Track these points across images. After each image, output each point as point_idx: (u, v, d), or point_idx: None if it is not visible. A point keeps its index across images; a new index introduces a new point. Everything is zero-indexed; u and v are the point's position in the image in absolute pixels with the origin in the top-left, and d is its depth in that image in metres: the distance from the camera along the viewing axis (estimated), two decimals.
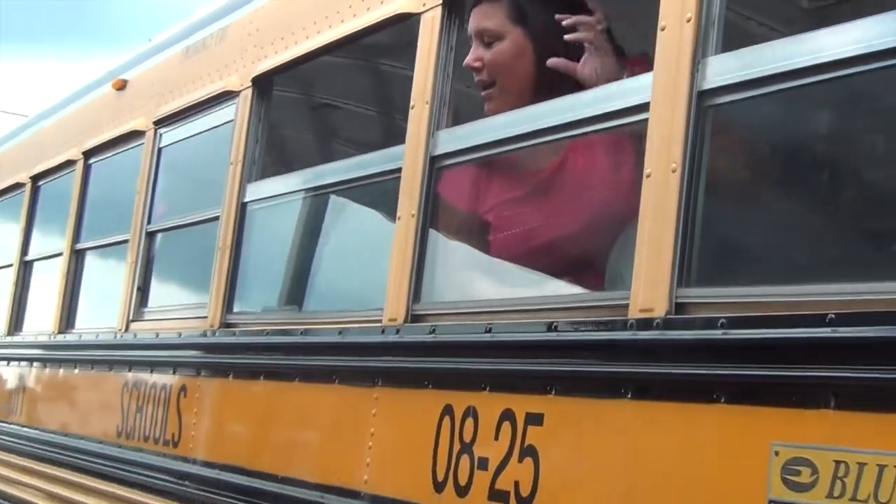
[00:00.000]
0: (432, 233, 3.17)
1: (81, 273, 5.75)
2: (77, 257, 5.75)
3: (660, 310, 2.35)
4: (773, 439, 2.03)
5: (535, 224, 3.05)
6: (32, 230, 6.55)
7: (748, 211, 2.55)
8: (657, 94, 2.46)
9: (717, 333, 2.21)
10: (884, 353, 1.85)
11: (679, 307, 2.33)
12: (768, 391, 2.10)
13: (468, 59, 3.10)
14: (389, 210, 3.30)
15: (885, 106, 2.18)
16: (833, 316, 1.96)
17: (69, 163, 5.98)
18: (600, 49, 2.84)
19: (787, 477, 1.99)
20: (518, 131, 2.90)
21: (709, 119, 2.37)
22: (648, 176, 2.44)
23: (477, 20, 3.11)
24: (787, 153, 2.47)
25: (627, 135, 2.71)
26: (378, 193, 3.52)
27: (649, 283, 2.39)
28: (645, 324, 2.37)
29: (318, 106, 4.73)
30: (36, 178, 6.54)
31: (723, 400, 2.17)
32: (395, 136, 3.41)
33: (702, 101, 2.37)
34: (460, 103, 3.24)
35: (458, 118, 3.20)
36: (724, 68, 2.35)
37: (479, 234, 3.19)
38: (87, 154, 5.76)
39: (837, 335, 1.96)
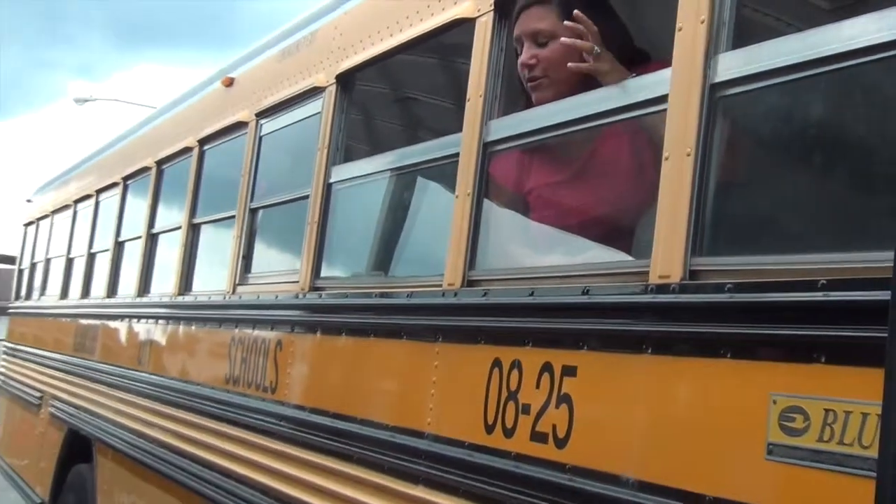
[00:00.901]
0: (485, 209, 3.16)
1: (197, 244, 5.83)
2: (193, 230, 5.83)
3: (676, 276, 2.33)
4: (771, 390, 2.01)
5: (569, 204, 3.03)
6: (157, 207, 6.66)
7: (753, 190, 2.52)
8: (674, 86, 2.43)
9: (724, 297, 2.19)
10: (868, 315, 1.82)
11: (692, 274, 2.31)
12: (768, 348, 2.07)
13: (524, 59, 3.07)
14: (449, 189, 3.30)
15: (874, 95, 2.14)
16: (824, 282, 1.95)
17: (187, 149, 6.07)
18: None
19: (784, 423, 1.98)
20: (559, 120, 2.89)
21: (719, 109, 2.34)
22: (667, 159, 2.42)
23: (529, 23, 3.07)
24: (788, 138, 2.43)
25: (649, 123, 2.67)
26: (440, 175, 3.53)
27: (667, 252, 2.36)
28: (663, 288, 2.35)
29: (392, 99, 4.74)
30: (160, 163, 6.64)
31: (728, 355, 2.15)
32: (454, 125, 3.39)
33: (713, 93, 2.34)
34: (508, 96, 3.21)
35: (506, 109, 3.19)
36: (734, 63, 2.31)
37: (523, 211, 3.18)
38: (202, 142, 5.84)
39: (828, 299, 1.93)
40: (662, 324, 2.38)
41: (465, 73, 3.35)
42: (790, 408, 1.97)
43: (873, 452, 1.69)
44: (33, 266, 10.67)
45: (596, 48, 2.79)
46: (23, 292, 11.04)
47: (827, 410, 1.89)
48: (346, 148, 4.21)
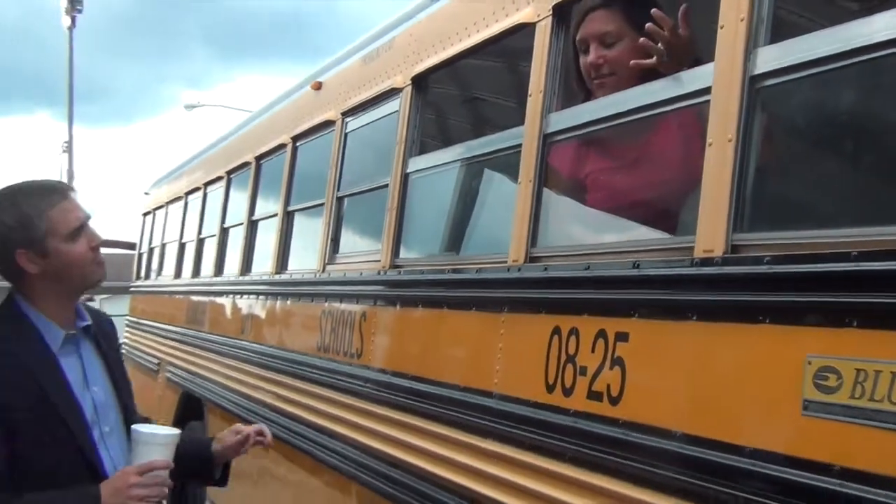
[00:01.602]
0: (545, 194, 3.14)
1: (291, 229, 5.88)
2: (288, 217, 5.88)
3: (718, 250, 2.30)
4: (807, 352, 1.97)
5: (622, 187, 3.00)
6: (257, 197, 6.73)
7: (789, 171, 2.47)
8: (717, 78, 2.38)
9: (763, 269, 2.15)
10: (891, 284, 1.78)
11: (734, 248, 2.28)
12: (804, 314, 2.03)
13: (592, 59, 3.02)
14: (512, 176, 3.28)
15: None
16: (856, 253, 1.90)
17: (282, 146, 6.11)
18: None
19: (818, 382, 1.94)
20: (613, 111, 2.85)
21: (758, 98, 2.30)
22: (710, 145, 2.38)
23: (596, 26, 3.02)
24: (820, 124, 2.38)
25: (696, 112, 2.62)
26: (504, 164, 3.51)
27: (710, 229, 2.33)
28: (707, 261, 2.32)
29: (460, 97, 4.73)
30: (259, 158, 6.70)
31: (767, 321, 2.11)
32: (515, 119, 3.38)
33: (753, 84, 2.29)
34: (565, 92, 3.18)
35: (563, 104, 3.16)
36: (771, 56, 2.27)
37: (579, 194, 3.15)
38: (295, 139, 5.88)
39: (859, 268, 1.89)
40: (706, 293, 2.34)
41: (525, 73, 3.33)
42: (824, 367, 1.93)
43: None
44: (150, 250, 10.88)
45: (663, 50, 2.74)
46: (142, 273, 11.27)
47: (858, 370, 1.85)
48: (421, 142, 4.21)
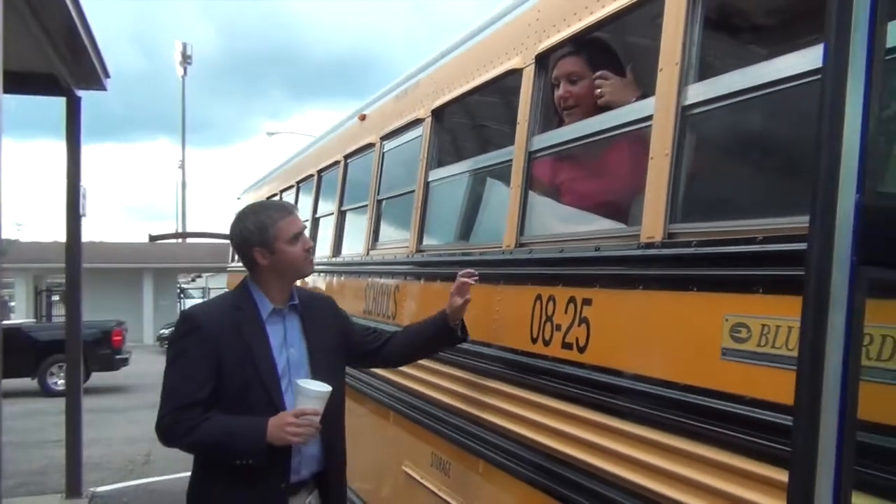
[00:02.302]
0: (529, 196, 3.11)
1: (344, 224, 5.87)
2: (342, 215, 5.87)
3: (658, 237, 2.26)
4: (724, 312, 1.95)
5: (587, 192, 2.96)
6: (319, 200, 6.71)
7: (711, 177, 2.43)
8: (658, 108, 2.35)
9: (691, 250, 2.12)
10: (787, 261, 1.75)
11: (670, 235, 2.25)
12: (722, 283, 2.00)
13: (561, 93, 3.00)
14: (507, 183, 3.25)
15: (794, 109, 2.03)
16: (761, 238, 1.87)
17: (336, 162, 6.09)
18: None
19: (733, 335, 1.91)
20: (580, 133, 2.81)
21: (688, 122, 2.26)
22: (652, 158, 2.34)
23: (565, 67, 2.99)
24: (735, 141, 2.33)
25: (640, 134, 2.59)
26: (501, 174, 3.46)
27: (652, 221, 2.30)
28: (649, 245, 2.29)
29: (467, 124, 4.68)
30: (320, 171, 6.69)
31: (695, 289, 2.08)
32: (509, 140, 3.34)
33: (685, 112, 2.26)
34: (544, 120, 3.14)
35: (542, 128, 3.12)
36: (698, 91, 2.23)
37: (555, 197, 3.12)
38: (346, 156, 5.86)
39: (764, 249, 1.86)
40: (649, 269, 2.31)
41: (514, 105, 3.30)
42: (738, 324, 1.90)
43: (795, 353, 1.63)
44: None
45: (606, 89, 2.73)
46: (236, 258, 11.28)
47: (763, 325, 1.82)
48: (439, 158, 4.18)
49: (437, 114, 4.15)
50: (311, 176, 6.94)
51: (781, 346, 1.76)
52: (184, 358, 2.67)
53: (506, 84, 3.49)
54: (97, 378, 15.95)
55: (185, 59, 45.26)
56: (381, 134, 4.99)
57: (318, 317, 2.93)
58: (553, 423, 2.63)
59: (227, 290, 11.86)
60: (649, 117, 2.39)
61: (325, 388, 2.65)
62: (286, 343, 2.77)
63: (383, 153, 5.00)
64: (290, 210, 2.93)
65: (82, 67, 6.84)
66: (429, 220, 4.15)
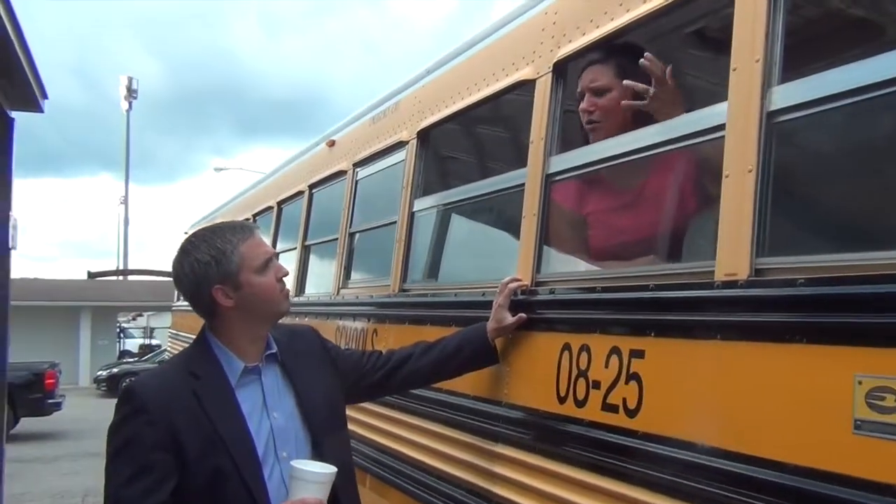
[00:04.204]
0: (548, 227, 2.63)
1: (308, 260, 5.30)
2: (306, 251, 5.31)
3: (742, 273, 1.79)
4: (855, 371, 1.47)
5: (625, 226, 2.50)
6: (279, 234, 6.13)
7: (811, 198, 1.97)
8: (732, 116, 1.89)
9: (795, 291, 1.65)
10: None
11: (758, 272, 1.77)
12: (849, 334, 1.53)
13: (584, 106, 2.56)
14: (517, 211, 2.76)
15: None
16: None
17: (299, 192, 5.54)
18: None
19: (871, 401, 1.44)
20: (616, 152, 2.35)
21: (775, 131, 1.81)
22: (727, 177, 1.88)
23: (590, 78, 2.57)
24: (848, 152, 1.88)
25: (701, 150, 2.14)
26: (504, 201, 2.97)
27: (732, 253, 1.82)
28: (730, 284, 1.81)
29: (459, 146, 4.20)
30: (280, 203, 6.12)
31: (804, 341, 1.61)
32: (517, 162, 2.87)
33: (770, 119, 1.81)
34: (563, 138, 2.68)
35: (561, 148, 2.66)
36: (787, 94, 1.78)
37: (580, 229, 2.64)
38: (312, 186, 5.31)
39: None
40: (730, 315, 1.83)
41: (522, 123, 2.84)
42: (877, 388, 1.43)
43: None
44: None
45: (651, 89, 2.27)
46: (181, 296, 10.58)
47: None
48: (424, 185, 3.68)
49: (424, 136, 3.66)
50: (269, 208, 6.36)
51: None
52: (128, 451, 1.98)
53: (511, 99, 3.03)
54: (26, 424, 14.75)
55: (130, 93, 44.13)
56: (355, 160, 4.48)
57: (304, 358, 2.29)
58: None
59: (171, 330, 11.16)
60: (718, 127, 1.93)
61: (328, 470, 2.02)
62: (266, 408, 2.12)
63: (357, 181, 4.48)
64: (251, 229, 2.22)
65: (16, 85, 6.15)
66: (414, 254, 3.63)
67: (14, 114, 6.75)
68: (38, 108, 6.81)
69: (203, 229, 2.22)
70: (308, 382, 2.24)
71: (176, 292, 10.97)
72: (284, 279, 2.22)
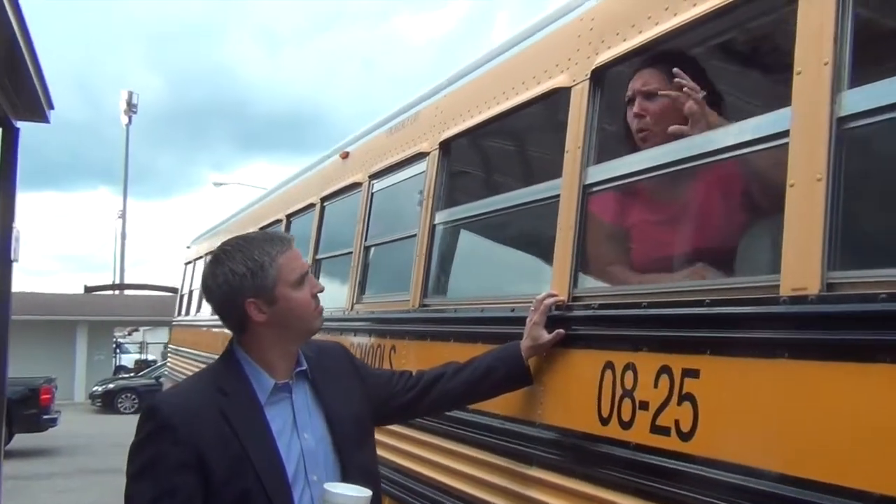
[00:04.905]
0: (586, 239, 2.52)
1: (319, 274, 5.17)
2: (317, 265, 5.18)
3: (813, 288, 1.67)
4: None
5: (669, 239, 2.39)
6: None
7: (886, 210, 1.86)
8: (797, 122, 1.79)
9: (877, 306, 1.53)
10: None
11: (830, 286, 1.66)
12: None
13: (636, 110, 2.46)
14: (550, 223, 2.65)
15: None
16: None
17: (310, 205, 5.44)
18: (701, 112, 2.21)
19: None
20: (666, 160, 2.24)
21: (846, 138, 1.71)
22: (792, 185, 1.77)
23: (640, 83, 2.48)
24: None
25: (755, 158, 2.03)
26: (540, 212, 2.85)
27: (800, 267, 1.71)
28: (798, 300, 1.70)
29: (481, 157, 4.10)
30: (289, 216, 6.01)
31: (888, 360, 1.49)
32: (548, 173, 2.77)
33: (840, 126, 1.71)
34: (601, 147, 2.57)
35: (599, 158, 2.55)
36: (859, 99, 1.68)
37: (621, 242, 2.53)
38: (323, 199, 5.21)
39: None
40: (800, 332, 1.71)
41: (554, 132, 2.74)
42: None
43: None
44: (190, 292, 10.06)
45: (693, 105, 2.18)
46: (182, 311, 10.43)
47: None
48: (446, 197, 3.57)
49: (446, 146, 3.55)
50: (277, 221, 6.25)
51: None
52: (151, 472, 1.86)
53: (542, 107, 2.94)
54: (21, 440, 14.52)
55: (131, 107, 44.21)
56: (370, 172, 4.37)
57: (334, 376, 2.17)
58: None
59: (169, 346, 11.02)
60: (781, 134, 1.83)
61: (364, 493, 1.90)
62: (297, 428, 2.00)
63: (372, 193, 4.37)
64: (289, 241, 2.09)
65: (23, 95, 6.05)
66: (435, 268, 3.51)
67: (19, 124, 6.66)
68: (44, 119, 6.71)
69: (238, 238, 2.09)
70: (338, 402, 2.12)
71: (178, 305, 10.85)
72: (319, 295, 2.10)
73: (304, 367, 2.09)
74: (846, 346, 1.59)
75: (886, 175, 1.83)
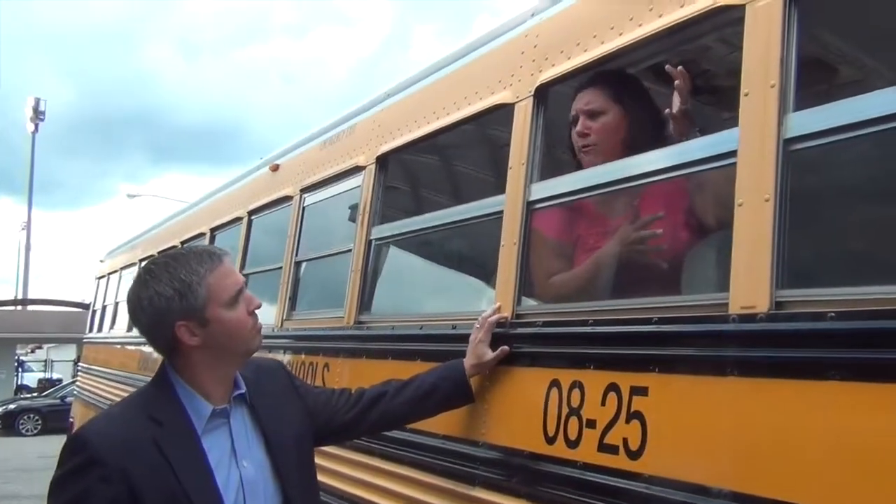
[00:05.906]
0: (530, 256, 2.50)
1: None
2: (246, 280, 4.99)
3: (762, 306, 1.70)
4: None
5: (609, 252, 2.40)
6: None
7: (832, 229, 1.91)
8: (744, 142, 1.82)
9: (826, 324, 1.56)
10: None
11: (778, 304, 1.68)
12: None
13: (579, 129, 2.47)
14: (492, 240, 2.63)
15: None
16: None
17: (237, 219, 5.26)
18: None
19: None
20: (611, 178, 2.25)
21: (792, 159, 1.74)
22: (741, 205, 1.80)
23: (584, 101, 2.49)
24: (868, 181, 1.83)
25: (705, 177, 2.06)
26: (482, 229, 2.82)
27: (749, 286, 1.73)
28: (747, 318, 1.71)
29: (419, 172, 4.05)
30: (213, 230, 5.80)
31: (837, 378, 1.52)
32: (490, 189, 2.75)
33: (787, 147, 1.74)
34: (544, 164, 2.57)
35: (542, 175, 2.54)
36: (804, 122, 1.73)
37: (565, 259, 2.52)
38: (251, 212, 5.05)
39: None
40: (750, 350, 1.73)
41: (482, 151, 2.73)
42: None
43: None
44: (104, 308, 9.59)
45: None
46: (95, 327, 9.92)
47: None
48: (383, 212, 3.50)
49: (383, 161, 3.50)
50: (201, 235, 6.01)
51: None
52: None
53: (485, 123, 2.92)
54: None
55: (38, 114, 42.20)
56: (302, 185, 4.26)
57: (274, 398, 2.05)
58: None
59: (78, 364, 10.44)
60: (728, 154, 1.86)
61: None
62: (235, 456, 1.87)
63: (304, 207, 4.26)
64: (219, 257, 1.93)
65: None
66: (372, 285, 3.43)
67: None
68: None
69: (164, 256, 1.96)
70: (278, 426, 2.00)
71: (90, 321, 10.32)
72: (257, 311, 1.99)
73: (242, 391, 1.96)
74: (795, 364, 1.62)
75: (833, 195, 1.88)
